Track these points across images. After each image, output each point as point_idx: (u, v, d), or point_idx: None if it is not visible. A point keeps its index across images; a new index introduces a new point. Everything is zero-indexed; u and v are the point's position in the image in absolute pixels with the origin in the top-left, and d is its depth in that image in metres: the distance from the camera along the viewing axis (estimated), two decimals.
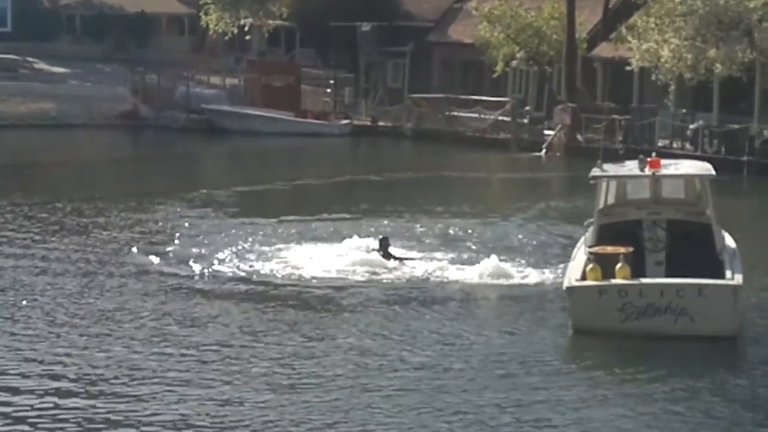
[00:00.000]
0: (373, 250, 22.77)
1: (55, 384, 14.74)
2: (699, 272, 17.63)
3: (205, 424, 13.59)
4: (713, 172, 19.49)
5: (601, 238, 18.68)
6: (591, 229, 19.28)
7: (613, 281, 17.38)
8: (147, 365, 15.52)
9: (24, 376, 15.12)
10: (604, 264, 17.53)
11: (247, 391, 14.54)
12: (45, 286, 20.35)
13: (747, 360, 16.68)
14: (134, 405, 14.04)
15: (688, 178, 19.70)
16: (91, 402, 14.12)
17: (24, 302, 19.11)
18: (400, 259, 22.59)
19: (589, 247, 18.52)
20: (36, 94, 55.47)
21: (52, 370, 15.34)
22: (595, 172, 19.31)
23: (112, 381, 14.87)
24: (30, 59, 62.28)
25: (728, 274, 17.64)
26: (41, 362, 15.68)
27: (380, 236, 23.30)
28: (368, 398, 14.35)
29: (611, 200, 19.69)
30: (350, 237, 23.76)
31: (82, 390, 14.57)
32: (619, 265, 17.44)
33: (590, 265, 17.61)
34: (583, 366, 16.21)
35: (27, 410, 13.89)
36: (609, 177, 19.45)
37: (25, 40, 63.77)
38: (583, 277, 17.73)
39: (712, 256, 18.49)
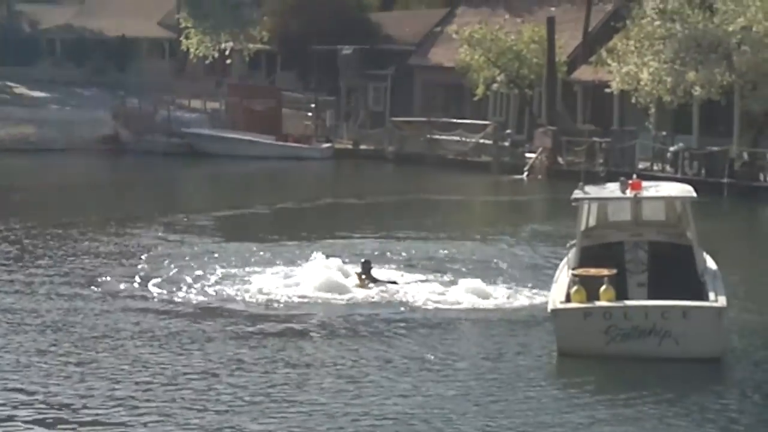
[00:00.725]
0: (356, 273, 22.72)
1: (31, 413, 14.48)
2: (681, 294, 17.65)
3: None
4: (694, 194, 19.54)
5: (584, 260, 18.68)
6: (573, 251, 19.29)
7: (598, 303, 17.36)
8: (127, 394, 15.24)
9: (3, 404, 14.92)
10: (588, 286, 17.53)
11: (228, 421, 14.32)
12: (23, 312, 20.09)
13: (731, 382, 16.67)
14: None
15: (669, 200, 19.75)
16: None
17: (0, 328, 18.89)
18: (383, 282, 22.54)
19: (573, 269, 18.52)
20: (16, 118, 55.35)
21: (32, 398, 15.10)
22: (577, 194, 19.34)
23: (91, 411, 14.60)
24: (10, 84, 62.24)
25: (712, 296, 17.66)
26: (20, 390, 15.48)
27: (363, 259, 23.25)
28: (351, 426, 14.21)
29: (592, 222, 19.73)
30: (331, 260, 23.65)
31: (61, 420, 14.34)
32: (603, 287, 17.44)
33: (575, 288, 17.59)
34: (569, 389, 16.14)
35: None
36: (591, 199, 19.49)
37: (5, 64, 63.66)
38: (568, 300, 17.71)
39: (693, 277, 18.52)
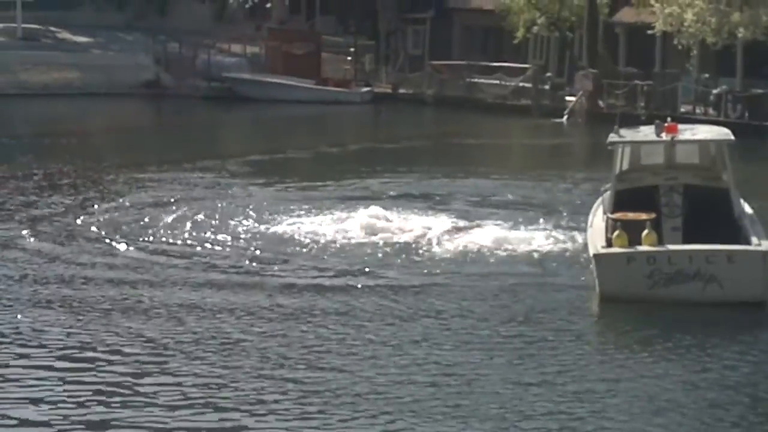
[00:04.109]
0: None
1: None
2: (717, 237, 17.57)
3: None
4: (731, 137, 19.37)
5: (618, 204, 18.61)
6: (608, 194, 19.24)
7: (641, 248, 17.31)
8: (154, 340, 15.15)
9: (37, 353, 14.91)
10: (628, 230, 17.52)
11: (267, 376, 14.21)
12: (58, 255, 20.11)
13: None
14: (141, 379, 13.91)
15: (703, 143, 19.56)
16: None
17: (31, 274, 18.76)
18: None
19: (611, 213, 18.50)
20: (59, 63, 55.64)
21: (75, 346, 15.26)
22: (613, 137, 19.25)
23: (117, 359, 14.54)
24: (53, 29, 62.38)
25: (754, 240, 17.60)
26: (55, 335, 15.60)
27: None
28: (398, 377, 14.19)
29: (626, 166, 19.60)
30: (371, 209, 23.59)
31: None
32: (645, 232, 17.39)
33: (616, 232, 17.58)
34: (612, 334, 16.22)
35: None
36: (627, 143, 19.39)
37: (48, 9, 63.80)
38: (609, 244, 17.71)
39: (730, 221, 18.42)
